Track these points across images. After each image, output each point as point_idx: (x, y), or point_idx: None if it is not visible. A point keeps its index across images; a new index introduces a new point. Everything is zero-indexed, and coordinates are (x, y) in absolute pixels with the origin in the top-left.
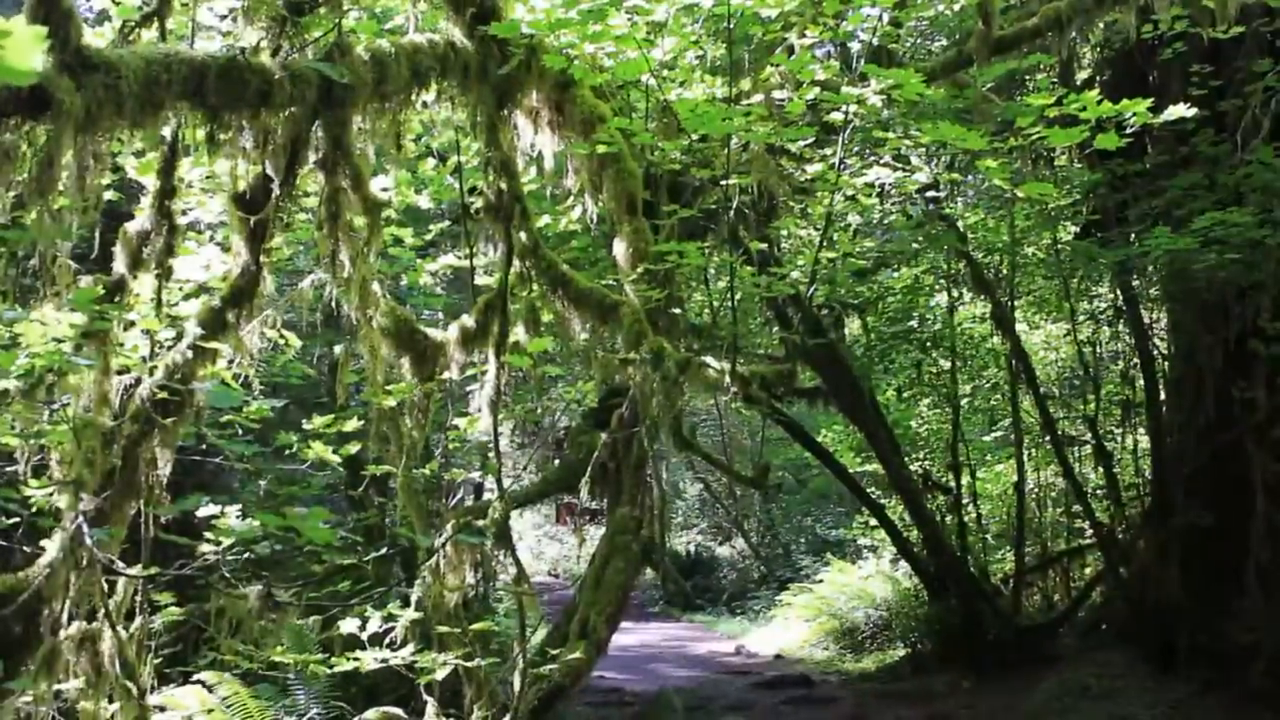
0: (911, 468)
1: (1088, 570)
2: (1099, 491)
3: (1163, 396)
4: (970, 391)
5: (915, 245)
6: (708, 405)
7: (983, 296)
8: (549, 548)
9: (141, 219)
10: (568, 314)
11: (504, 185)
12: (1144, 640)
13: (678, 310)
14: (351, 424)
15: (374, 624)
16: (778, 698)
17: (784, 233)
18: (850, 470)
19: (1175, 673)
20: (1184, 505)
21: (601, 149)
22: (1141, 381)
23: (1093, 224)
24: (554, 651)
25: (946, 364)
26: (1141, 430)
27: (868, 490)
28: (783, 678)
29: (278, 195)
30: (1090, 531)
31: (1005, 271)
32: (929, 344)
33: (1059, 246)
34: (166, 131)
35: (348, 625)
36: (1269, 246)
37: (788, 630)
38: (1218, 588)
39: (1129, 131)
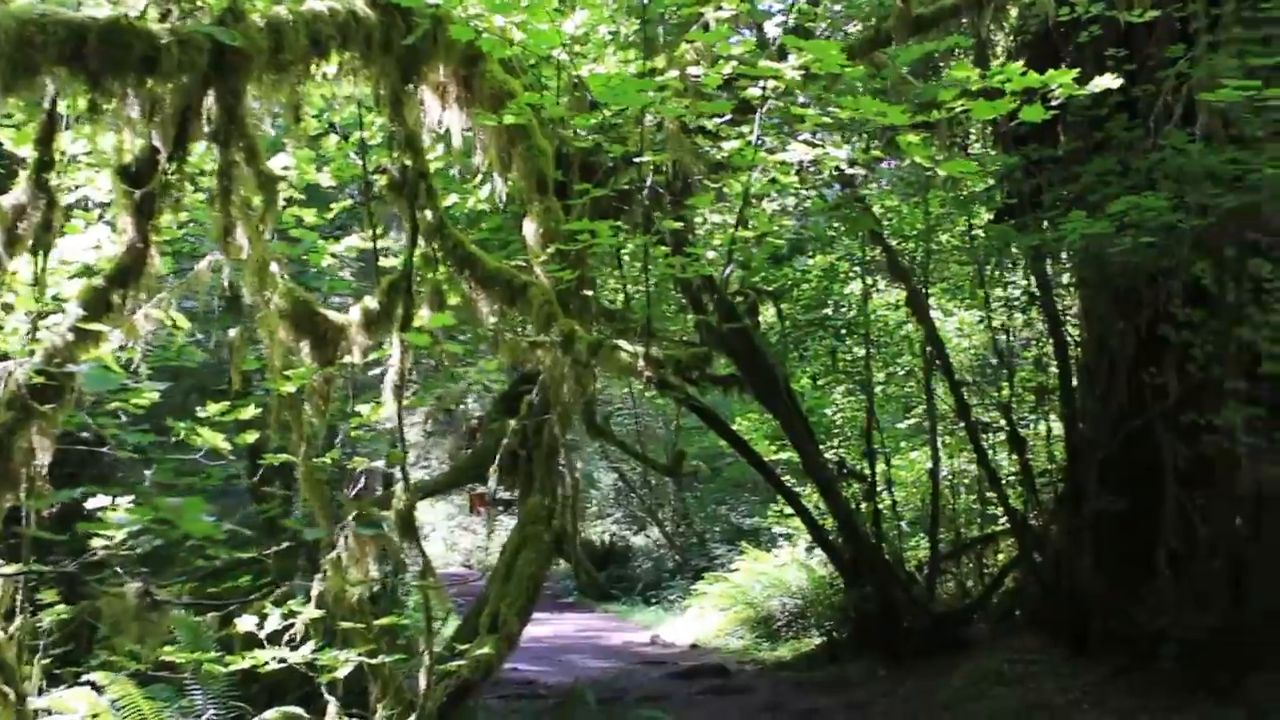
0: (827, 455)
1: (1001, 557)
2: (1013, 478)
3: (1075, 383)
4: (885, 379)
5: (831, 231)
6: (621, 393)
7: (898, 283)
8: (463, 538)
9: (17, 193)
10: (475, 295)
11: (409, 162)
12: (1057, 626)
13: (590, 292)
14: (249, 411)
15: (273, 621)
16: (693, 688)
17: (700, 215)
18: (765, 458)
19: (1088, 657)
20: (1096, 491)
21: (509, 120)
22: (1055, 368)
23: (1007, 210)
24: (462, 646)
25: (861, 351)
26: (1054, 417)
27: (782, 478)
28: (698, 668)
29: (165, 168)
30: (1004, 518)
31: (920, 258)
32: (844, 331)
33: (974, 233)
34: (46, 100)
35: (245, 622)
36: (1182, 231)
37: (703, 620)
38: (1130, 573)
39: (1047, 110)
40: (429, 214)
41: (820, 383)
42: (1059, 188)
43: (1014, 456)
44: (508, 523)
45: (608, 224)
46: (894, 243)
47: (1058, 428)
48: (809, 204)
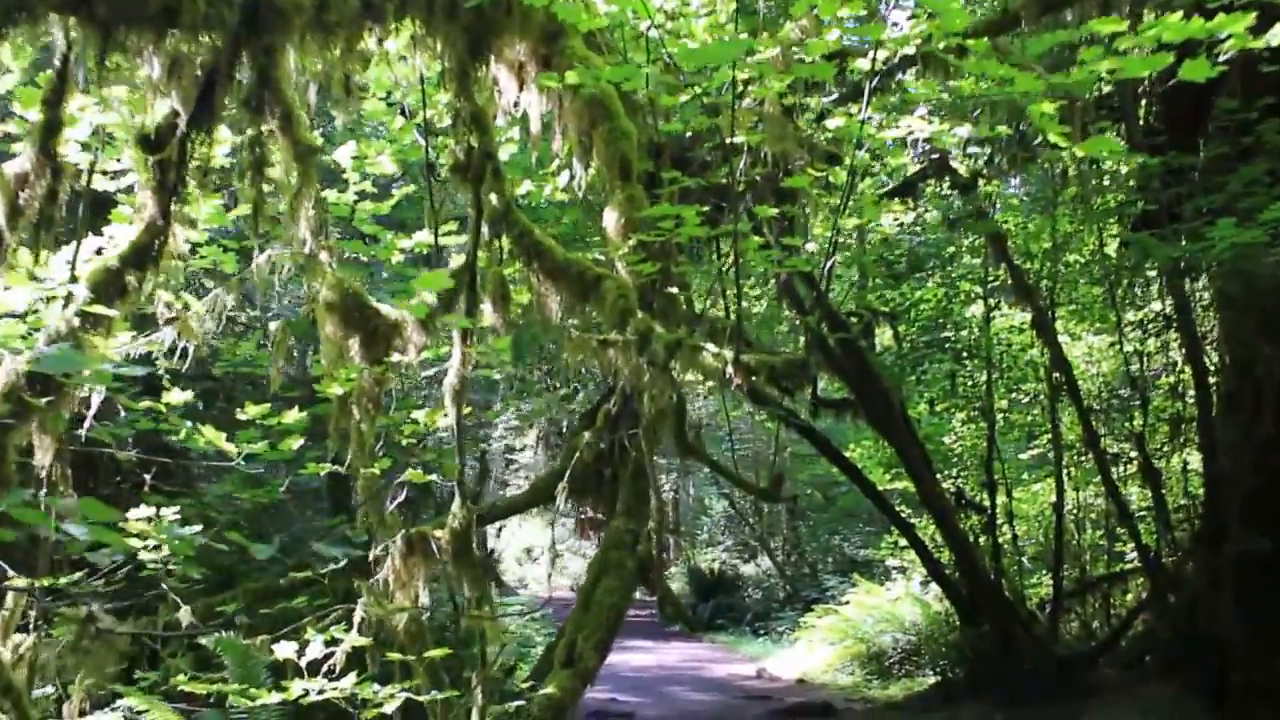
0: (944, 485)
1: (1129, 597)
2: (1145, 514)
3: (1215, 413)
4: (1007, 406)
5: (951, 247)
6: (735, 416)
7: (1022, 304)
8: (572, 562)
9: (21, 160)
10: (544, 289)
11: (474, 141)
12: (1192, 675)
13: (675, 290)
14: (293, 415)
15: (315, 648)
16: None
17: (803, 206)
18: (879, 487)
19: (1228, 712)
20: (1238, 530)
21: (572, 80)
22: (1192, 396)
23: (1144, 223)
24: (523, 685)
25: (982, 376)
26: (1192, 449)
27: (897, 509)
28: (804, 705)
29: (186, 135)
30: (1133, 556)
31: (1046, 278)
32: (964, 354)
33: (1105, 249)
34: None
35: (283, 649)
36: None
37: (811, 653)
38: (1275, 620)
39: (1213, 67)
40: (494, 199)
41: (939, 409)
42: (1202, 197)
43: (1146, 490)
44: None
45: (694, 208)
46: (1018, 261)
47: (1195, 461)
48: (928, 217)
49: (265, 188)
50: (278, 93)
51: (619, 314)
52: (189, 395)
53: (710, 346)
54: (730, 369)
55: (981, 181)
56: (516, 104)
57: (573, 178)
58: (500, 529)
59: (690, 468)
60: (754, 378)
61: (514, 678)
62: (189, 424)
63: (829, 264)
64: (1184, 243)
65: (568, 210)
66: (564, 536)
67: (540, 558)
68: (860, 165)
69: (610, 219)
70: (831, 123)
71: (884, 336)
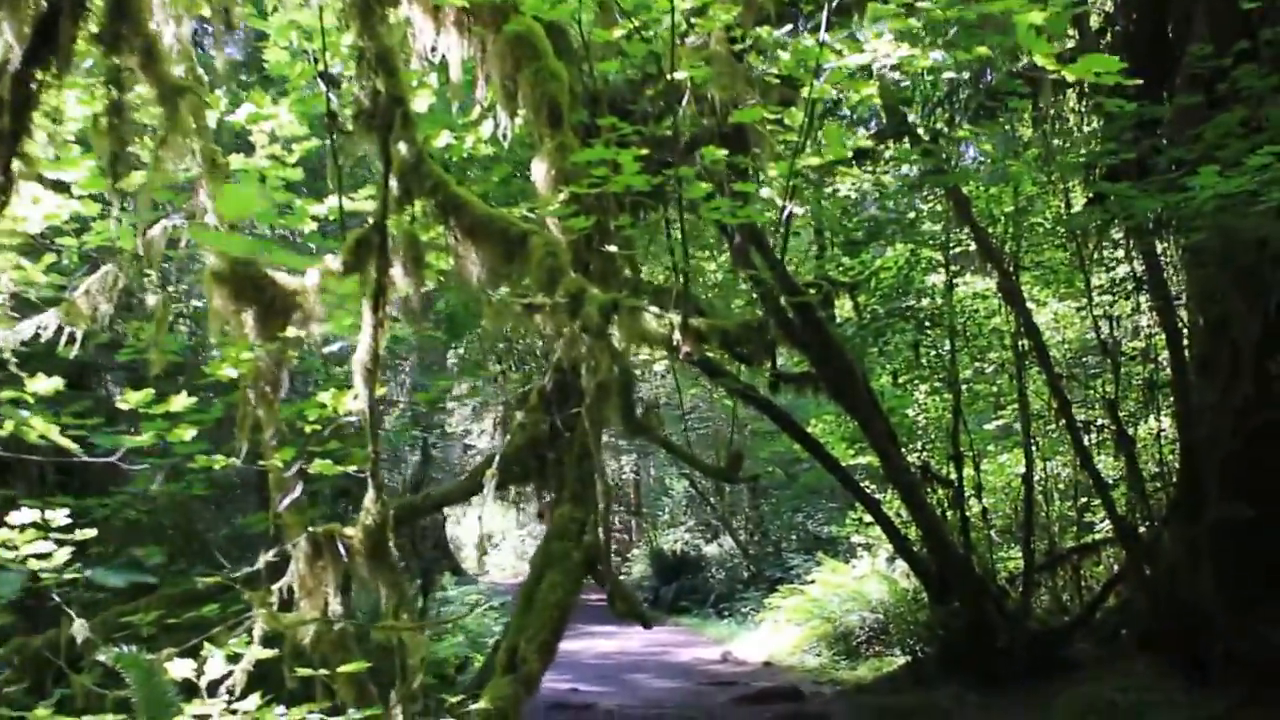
0: (909, 459)
1: (1100, 569)
2: (1117, 482)
3: (1189, 376)
4: (972, 375)
5: (911, 214)
6: (694, 394)
7: (987, 270)
8: (532, 546)
9: None
10: (462, 249)
11: (381, 85)
12: (1173, 648)
13: (614, 248)
14: (180, 401)
15: (215, 665)
16: (764, 715)
17: (755, 149)
18: (843, 463)
19: (1210, 685)
20: (1217, 496)
21: (508, 29)
22: (1166, 359)
23: (1111, 178)
24: (457, 699)
25: (946, 345)
26: (1166, 414)
27: (862, 484)
28: (770, 690)
29: (24, 73)
30: (1103, 526)
31: (1010, 242)
32: (927, 323)
33: (1071, 210)
34: None
35: (179, 667)
36: None
37: (777, 635)
38: (1257, 589)
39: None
40: (404, 148)
41: (902, 380)
42: (1176, 148)
43: (1119, 459)
44: None
45: (633, 152)
46: (981, 224)
47: (1169, 427)
48: (886, 181)
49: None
50: (137, 24)
51: (547, 273)
52: (57, 383)
53: (653, 309)
54: (678, 335)
55: (943, 141)
56: (434, 49)
57: (497, 127)
58: (462, 516)
59: (648, 447)
60: (705, 345)
61: (466, 674)
62: (24, 414)
63: (786, 213)
64: (1162, 195)
65: (496, 166)
66: (526, 520)
67: (501, 544)
68: (820, 95)
69: (539, 170)
70: (787, 55)
71: (844, 308)
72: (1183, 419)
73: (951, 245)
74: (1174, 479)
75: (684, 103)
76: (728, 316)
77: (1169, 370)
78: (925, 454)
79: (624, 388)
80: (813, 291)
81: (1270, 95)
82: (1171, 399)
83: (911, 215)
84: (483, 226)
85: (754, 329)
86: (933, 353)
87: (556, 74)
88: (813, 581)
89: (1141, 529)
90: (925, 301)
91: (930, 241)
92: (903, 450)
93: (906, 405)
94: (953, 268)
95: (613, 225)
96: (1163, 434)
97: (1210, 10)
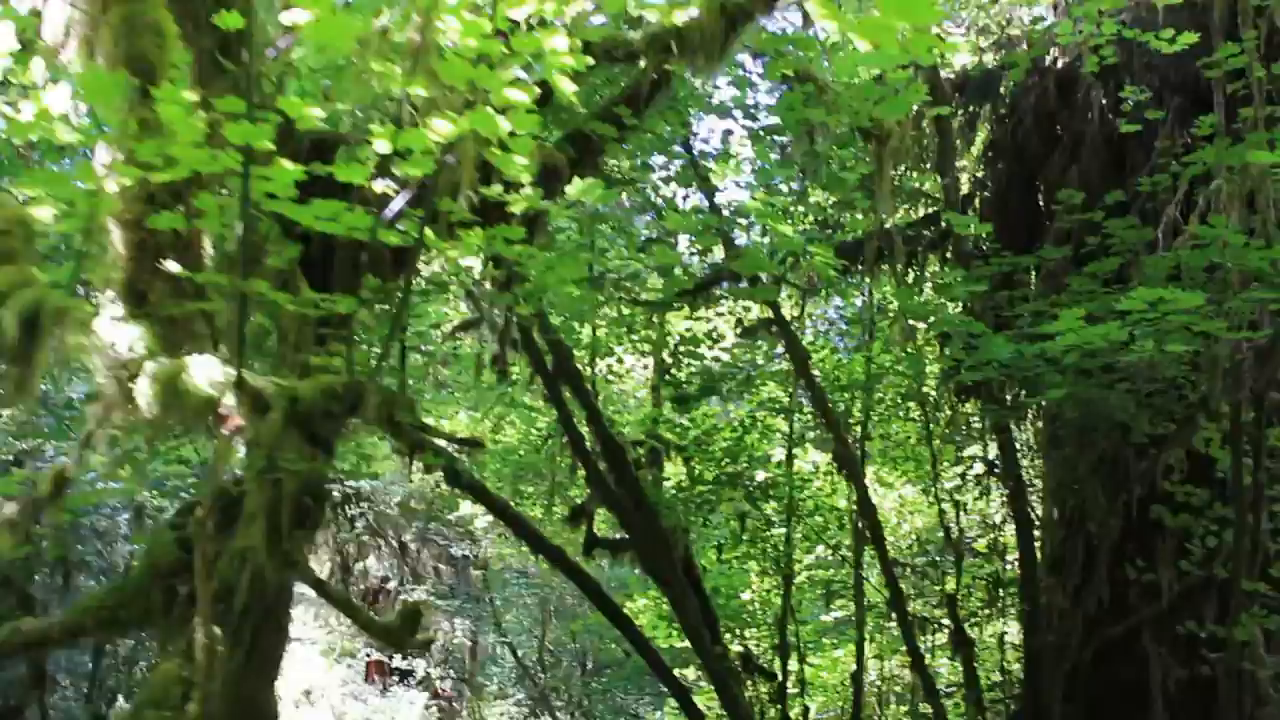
0: (734, 647)
1: None
2: (955, 689)
3: (1040, 575)
4: (812, 560)
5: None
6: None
7: (828, 442)
8: (353, 708)
9: None
10: None
11: None
12: None
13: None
14: None
15: None
16: None
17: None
18: (664, 645)
19: None
20: (1061, 714)
21: None
22: (1015, 555)
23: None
24: None
25: (778, 520)
26: (1011, 617)
27: (678, 671)
28: None
29: None
30: None
31: (857, 413)
32: (758, 493)
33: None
34: None
35: None
36: (1214, 356)
37: None
38: None
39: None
40: None
41: (725, 556)
42: (1040, 300)
43: (956, 662)
44: (404, 695)
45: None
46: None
47: (1014, 630)
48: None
49: None
50: None
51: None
52: None
53: (206, 362)
54: (229, 396)
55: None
56: None
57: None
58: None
59: (481, 610)
60: (264, 410)
61: None
62: None
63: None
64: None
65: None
66: (351, 677)
67: (320, 701)
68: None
69: (100, 156)
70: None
71: (677, 472)
72: (1029, 623)
73: (790, 409)
74: (1016, 691)
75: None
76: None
77: (1018, 567)
78: (754, 643)
79: (285, 508)
80: (638, 451)
81: (1144, 248)
82: (1019, 600)
83: (747, 372)
84: None
85: (338, 396)
86: (764, 529)
87: (158, 26)
88: None
89: None
90: (759, 474)
91: (770, 405)
92: (727, 636)
93: (736, 586)
94: (794, 435)
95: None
96: (1006, 639)
97: (1083, 171)
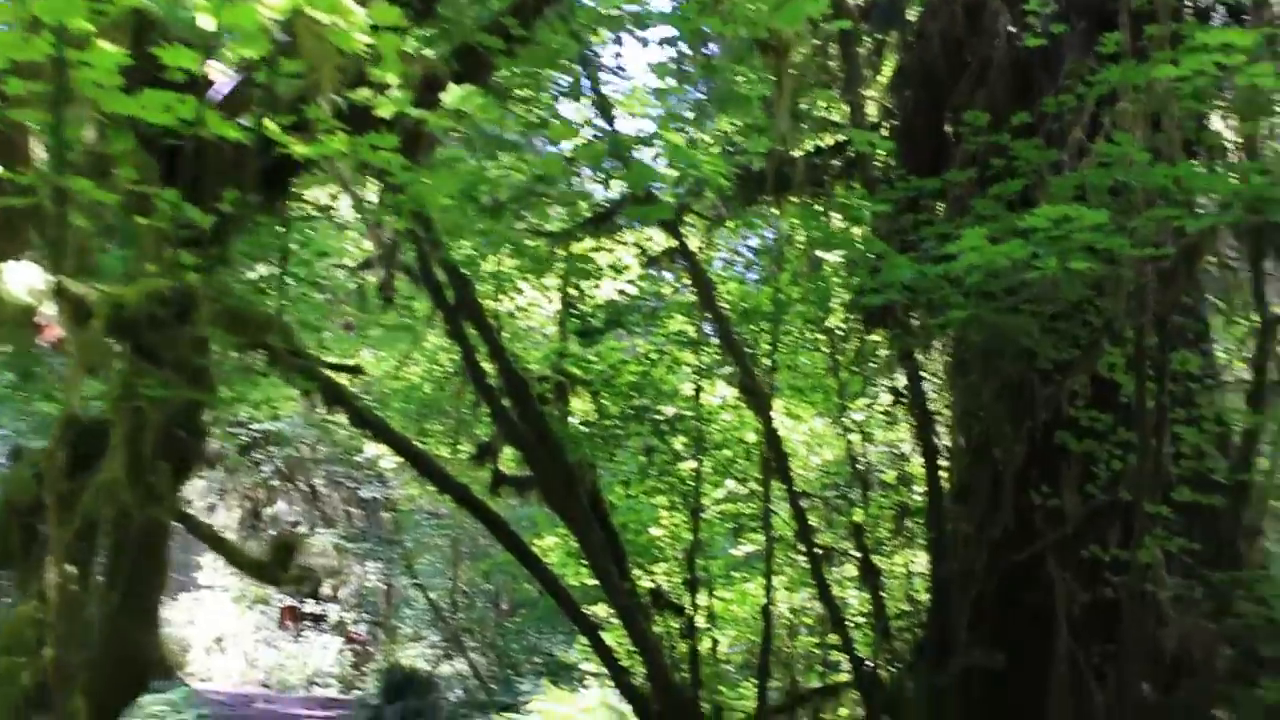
0: (644, 583)
1: (844, 712)
2: (864, 619)
3: (946, 504)
4: (720, 496)
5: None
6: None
7: (736, 375)
8: (265, 655)
9: None
10: None
11: None
12: None
13: None
14: None
15: None
16: None
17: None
18: (576, 583)
19: None
20: (966, 641)
21: None
22: (922, 483)
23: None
24: None
25: (686, 454)
26: (920, 546)
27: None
28: None
29: None
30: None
31: (765, 345)
32: (666, 427)
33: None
34: None
35: None
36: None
37: None
38: None
39: None
40: None
41: (633, 491)
42: (943, 223)
43: (865, 593)
44: (318, 639)
45: None
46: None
47: (923, 560)
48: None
49: None
50: None
51: None
52: None
53: (24, 268)
54: (47, 303)
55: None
56: None
57: None
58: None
59: (392, 551)
60: (92, 319)
61: None
62: None
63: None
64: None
65: None
66: (264, 623)
67: (230, 648)
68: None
69: None
70: None
71: (586, 407)
72: (935, 551)
73: (699, 342)
74: (923, 619)
75: None
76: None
77: (925, 496)
78: (662, 578)
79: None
80: (544, 385)
81: (1049, 169)
82: (925, 529)
83: (653, 305)
84: None
85: (165, 300)
86: (672, 463)
87: None
88: (530, 712)
89: (884, 672)
90: (666, 408)
91: (676, 337)
92: (636, 572)
93: (644, 521)
94: (702, 368)
95: None
96: (914, 567)
97: (990, 96)
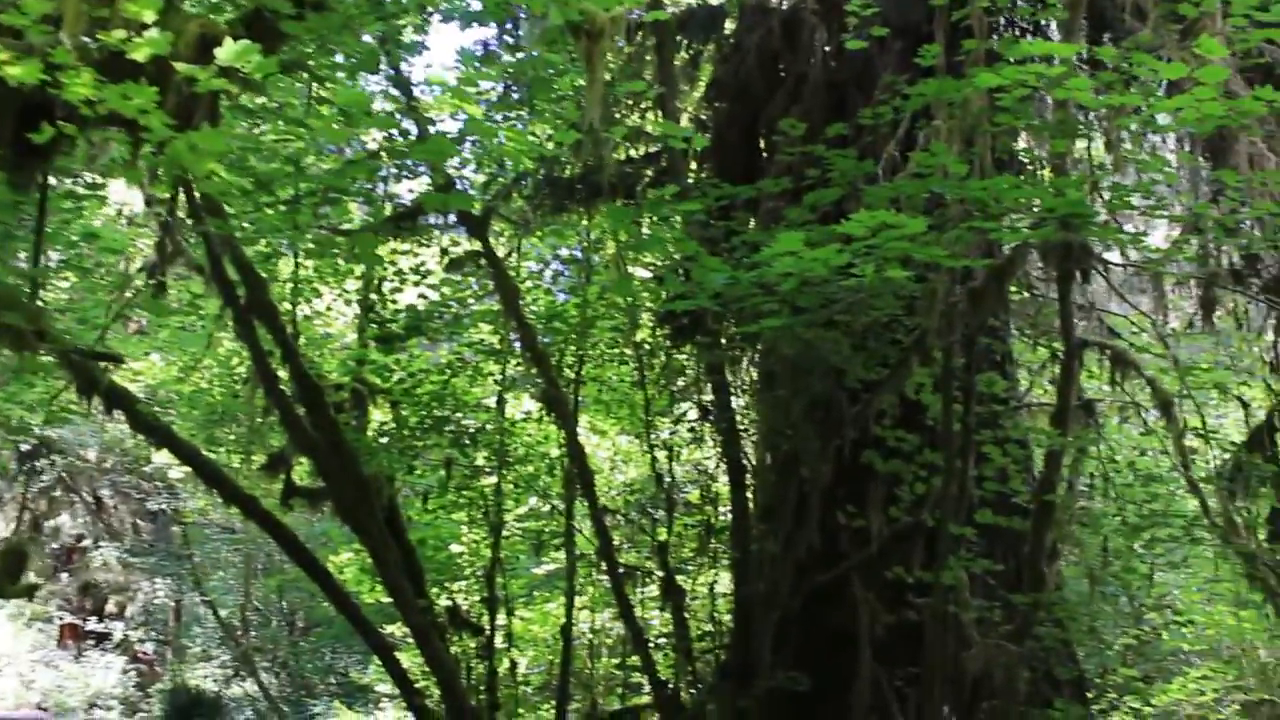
0: (442, 601)
1: None
2: (665, 640)
3: (751, 522)
4: (522, 512)
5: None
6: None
7: (539, 386)
8: (43, 675)
9: None
10: None
11: None
12: None
13: None
14: None
15: None
16: None
17: None
18: (366, 599)
19: None
20: (770, 662)
21: None
22: (728, 502)
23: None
24: None
25: (487, 468)
26: (724, 565)
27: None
28: None
29: None
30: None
31: (570, 356)
32: (467, 440)
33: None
34: None
35: None
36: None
37: None
38: None
39: None
40: None
41: (431, 505)
42: (755, 232)
43: (668, 613)
44: (100, 659)
45: None
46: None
47: (727, 580)
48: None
49: None
50: None
51: None
52: None
53: None
54: None
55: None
56: None
57: None
58: None
59: (182, 568)
60: None
61: None
62: None
63: None
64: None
65: None
66: (43, 642)
67: (4, 668)
68: None
69: None
70: None
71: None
72: (739, 571)
73: (504, 354)
74: (725, 640)
75: None
76: None
77: (730, 515)
78: (461, 596)
79: None
80: (341, 394)
81: (864, 181)
82: (730, 548)
83: (456, 311)
84: None
85: None
86: (467, 473)
87: None
88: None
89: (685, 695)
90: (465, 419)
91: (478, 345)
92: (433, 590)
93: (444, 537)
94: (505, 375)
95: None
96: (718, 587)
97: (805, 113)
